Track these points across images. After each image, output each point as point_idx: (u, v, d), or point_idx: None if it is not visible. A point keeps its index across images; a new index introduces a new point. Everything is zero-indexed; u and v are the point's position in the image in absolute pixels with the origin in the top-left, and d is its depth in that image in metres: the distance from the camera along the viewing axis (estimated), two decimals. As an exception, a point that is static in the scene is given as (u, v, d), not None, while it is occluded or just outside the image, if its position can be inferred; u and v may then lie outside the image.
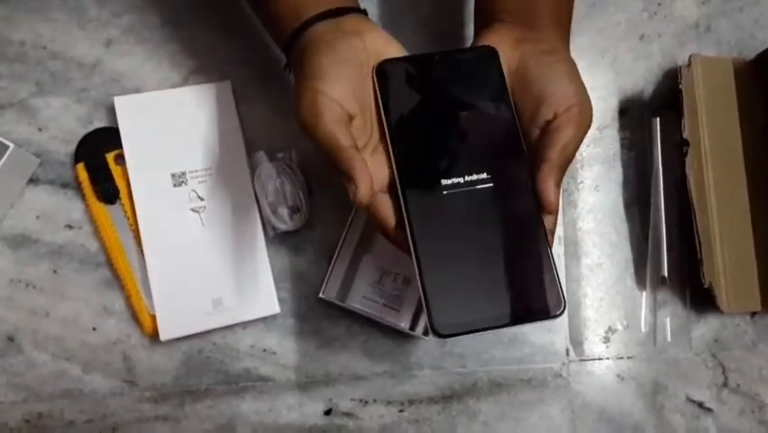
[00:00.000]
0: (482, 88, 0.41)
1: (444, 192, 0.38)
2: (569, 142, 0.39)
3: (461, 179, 0.39)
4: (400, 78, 0.41)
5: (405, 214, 0.38)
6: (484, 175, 0.39)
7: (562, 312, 0.37)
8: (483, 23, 0.46)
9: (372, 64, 0.41)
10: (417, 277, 0.37)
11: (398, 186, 0.38)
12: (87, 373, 0.53)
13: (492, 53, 0.42)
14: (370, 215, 0.39)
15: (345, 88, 0.39)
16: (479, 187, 0.39)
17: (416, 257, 0.37)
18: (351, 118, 0.39)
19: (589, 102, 0.41)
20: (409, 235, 0.37)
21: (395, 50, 0.42)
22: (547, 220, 0.39)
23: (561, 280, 0.37)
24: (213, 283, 0.52)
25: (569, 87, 0.40)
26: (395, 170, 0.39)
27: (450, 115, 0.40)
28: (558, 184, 0.38)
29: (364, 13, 0.44)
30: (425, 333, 0.52)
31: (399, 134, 0.39)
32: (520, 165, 0.39)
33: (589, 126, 0.40)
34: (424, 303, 0.36)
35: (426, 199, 0.38)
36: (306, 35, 0.41)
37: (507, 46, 0.43)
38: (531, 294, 0.37)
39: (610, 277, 0.58)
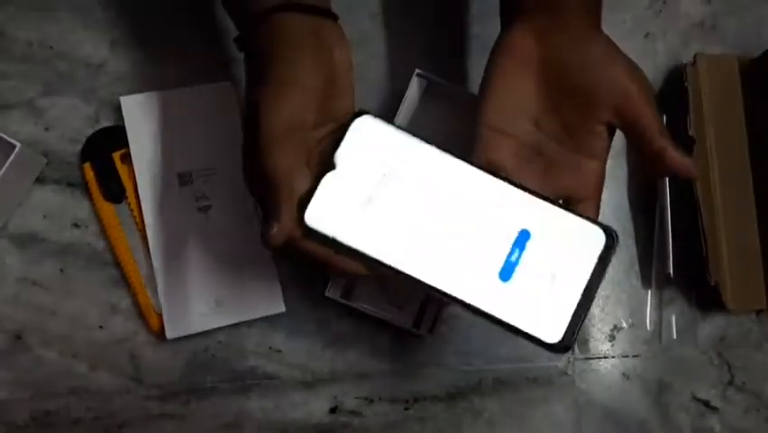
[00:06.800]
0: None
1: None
2: (654, 114, 0.39)
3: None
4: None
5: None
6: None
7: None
8: (506, 19, 0.43)
9: (340, 81, 0.39)
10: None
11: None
12: (94, 370, 0.53)
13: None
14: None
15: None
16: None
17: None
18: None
19: (638, 69, 0.40)
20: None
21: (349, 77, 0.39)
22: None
23: None
24: (219, 282, 0.52)
25: (609, 69, 0.39)
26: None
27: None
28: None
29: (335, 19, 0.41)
30: (430, 331, 0.52)
31: None
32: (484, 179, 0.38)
33: (650, 86, 0.40)
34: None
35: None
36: (282, 19, 0.38)
37: (532, 40, 0.41)
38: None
39: (616, 275, 0.58)
